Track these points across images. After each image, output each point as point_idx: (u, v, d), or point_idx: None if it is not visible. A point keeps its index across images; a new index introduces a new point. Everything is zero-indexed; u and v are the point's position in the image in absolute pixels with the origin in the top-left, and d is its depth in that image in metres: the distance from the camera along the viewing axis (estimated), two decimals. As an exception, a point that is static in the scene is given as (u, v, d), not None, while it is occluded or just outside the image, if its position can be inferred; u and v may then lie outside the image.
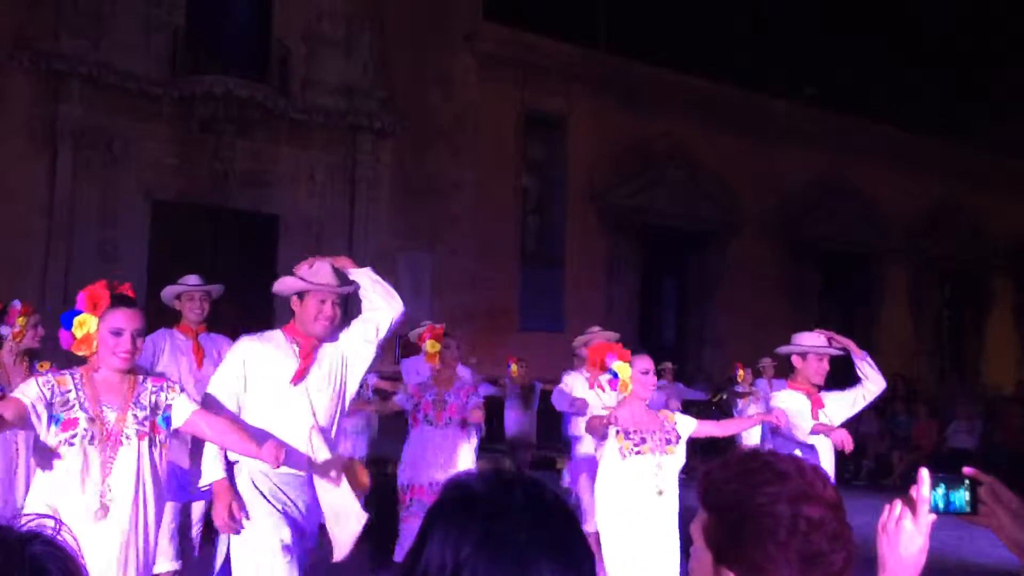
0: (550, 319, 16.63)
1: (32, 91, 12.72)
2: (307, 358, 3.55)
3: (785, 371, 5.38)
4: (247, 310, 13.93)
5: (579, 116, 17.55)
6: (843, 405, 4.89)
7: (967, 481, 1.33)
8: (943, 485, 1.31)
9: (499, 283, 16.15)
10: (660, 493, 4.20)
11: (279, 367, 3.52)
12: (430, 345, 5.82)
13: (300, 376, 3.51)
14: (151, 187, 13.51)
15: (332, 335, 3.66)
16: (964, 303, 23.58)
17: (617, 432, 4.26)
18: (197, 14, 13.98)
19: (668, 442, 4.29)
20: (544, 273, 17.13)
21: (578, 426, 6.10)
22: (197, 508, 5.19)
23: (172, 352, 4.99)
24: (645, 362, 4.43)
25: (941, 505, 1.30)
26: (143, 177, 13.43)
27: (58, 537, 0.90)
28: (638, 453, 4.22)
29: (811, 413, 4.57)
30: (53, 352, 5.20)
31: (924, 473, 1.30)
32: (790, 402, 4.60)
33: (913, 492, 1.29)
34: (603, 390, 5.44)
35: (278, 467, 3.06)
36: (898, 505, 1.29)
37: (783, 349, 4.92)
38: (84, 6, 12.98)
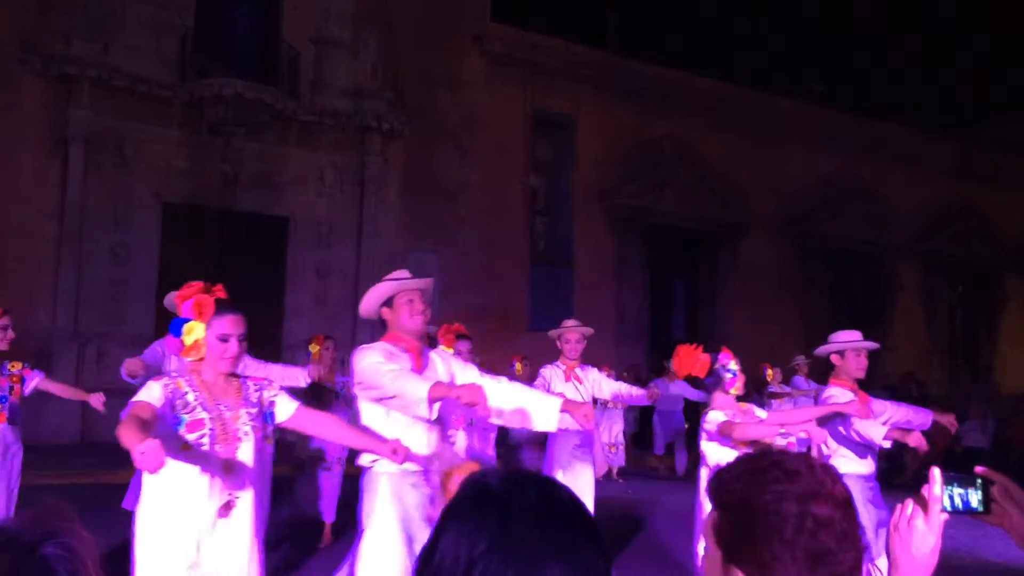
0: (559, 319, 16.50)
1: (43, 95, 12.79)
2: (419, 360, 3.73)
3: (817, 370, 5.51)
4: (257, 310, 13.97)
5: (587, 116, 17.54)
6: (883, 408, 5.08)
7: (979, 480, 1.32)
8: (955, 484, 1.31)
9: (508, 283, 16.16)
10: None
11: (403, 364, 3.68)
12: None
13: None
14: (161, 189, 13.57)
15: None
16: (976, 301, 23.47)
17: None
18: (206, 17, 14.04)
19: (789, 445, 4.58)
20: (553, 273, 17.12)
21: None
22: None
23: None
24: (723, 358, 4.78)
25: (953, 505, 1.29)
26: (153, 180, 13.49)
27: (70, 540, 0.90)
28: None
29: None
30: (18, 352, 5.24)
31: (936, 472, 1.30)
32: (843, 398, 4.75)
33: (925, 491, 1.29)
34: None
35: (400, 463, 3.21)
36: (910, 504, 1.29)
37: (822, 349, 5.07)
38: (94, 10, 13.05)
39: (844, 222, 20.63)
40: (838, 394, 4.79)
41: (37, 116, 12.76)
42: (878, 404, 4.98)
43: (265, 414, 3.16)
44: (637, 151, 18.11)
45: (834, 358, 4.94)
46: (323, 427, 3.44)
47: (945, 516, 1.28)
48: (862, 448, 4.79)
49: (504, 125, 16.56)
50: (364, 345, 3.75)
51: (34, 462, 10.01)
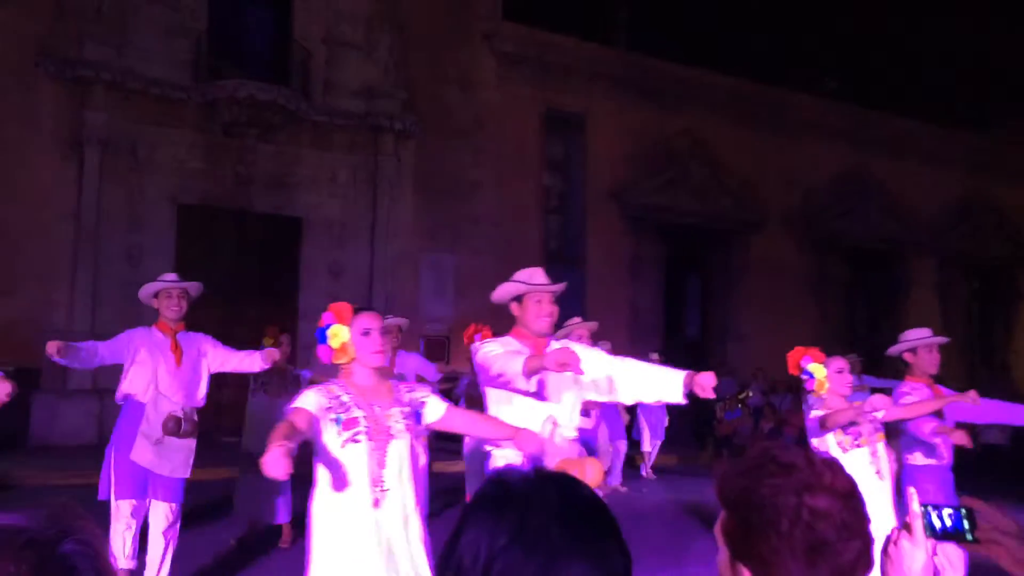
0: (573, 317, 16.58)
1: (58, 99, 12.89)
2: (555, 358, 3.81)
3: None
4: (271, 310, 14.03)
5: (599, 114, 17.53)
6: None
7: (964, 510, 1.33)
8: (938, 510, 1.32)
9: (521, 282, 16.14)
10: (879, 476, 4.62)
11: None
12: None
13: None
14: (176, 191, 13.65)
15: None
16: (992, 297, 23.30)
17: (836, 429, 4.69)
18: (218, 19, 14.11)
19: (878, 430, 4.71)
20: (566, 272, 17.07)
21: None
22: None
23: (150, 350, 4.93)
24: (839, 362, 4.80)
25: (941, 528, 1.30)
26: (168, 181, 13.57)
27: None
28: (858, 446, 4.62)
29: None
30: None
31: (912, 490, 1.34)
32: (918, 395, 4.94)
33: (909, 519, 1.30)
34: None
35: (539, 453, 3.30)
36: (894, 531, 1.30)
37: (894, 349, 5.27)
38: (108, 14, 13.13)
39: (859, 218, 20.54)
40: (914, 390, 4.99)
41: (53, 119, 12.86)
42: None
43: (416, 414, 3.29)
44: (650, 148, 18.08)
45: (907, 355, 5.15)
46: (475, 425, 3.57)
47: (932, 541, 1.28)
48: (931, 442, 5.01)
49: (517, 124, 16.56)
50: (486, 340, 4.00)
51: (52, 463, 10.14)
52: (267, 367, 5.27)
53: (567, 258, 17.39)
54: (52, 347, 4.47)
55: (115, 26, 13.20)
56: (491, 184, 16.17)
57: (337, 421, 3.10)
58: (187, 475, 4.96)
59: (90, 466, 4.86)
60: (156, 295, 5.09)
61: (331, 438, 3.08)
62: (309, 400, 3.09)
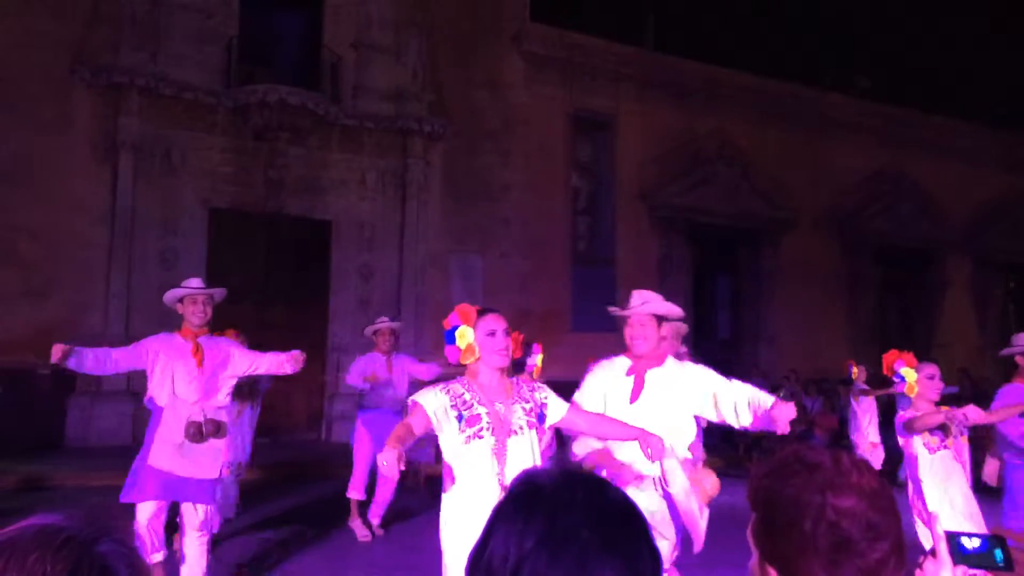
0: (602, 319, 16.52)
1: (93, 104, 13.09)
2: (639, 378, 4.05)
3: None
4: (302, 313, 14.14)
5: (628, 115, 17.47)
6: None
7: (994, 539, 1.32)
8: (969, 539, 1.31)
9: (550, 284, 16.15)
10: (962, 476, 4.90)
11: (620, 385, 4.08)
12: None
13: (636, 395, 4.04)
14: (208, 195, 13.80)
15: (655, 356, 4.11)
16: (1028, 297, 22.90)
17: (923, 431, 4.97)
18: (250, 25, 14.26)
19: (963, 432, 4.96)
20: (595, 273, 17.07)
21: None
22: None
23: (168, 354, 4.98)
24: (930, 368, 5.02)
25: (967, 552, 1.29)
26: (200, 185, 13.73)
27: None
28: (944, 447, 4.85)
29: None
30: None
31: (936, 513, 1.39)
32: (1012, 398, 5.21)
33: (933, 543, 1.30)
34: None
35: (658, 454, 3.38)
36: (923, 557, 1.30)
37: (1005, 351, 5.65)
38: (141, 21, 13.33)
39: (892, 218, 20.28)
40: (1018, 393, 5.28)
41: (88, 125, 13.06)
42: None
43: (540, 414, 3.38)
44: (679, 149, 17.97)
45: (1019, 359, 5.52)
46: (599, 425, 3.59)
47: (965, 569, 1.29)
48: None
49: (545, 125, 16.55)
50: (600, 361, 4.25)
51: (88, 464, 10.30)
52: (296, 370, 5.29)
53: (596, 259, 17.34)
54: (57, 351, 4.46)
55: (148, 33, 13.38)
56: (520, 186, 16.17)
57: (460, 418, 3.21)
58: (215, 475, 5.00)
59: (125, 467, 4.91)
60: (181, 300, 5.12)
61: (452, 435, 3.21)
62: (428, 399, 3.23)
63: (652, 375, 4.04)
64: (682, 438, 3.97)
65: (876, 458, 9.17)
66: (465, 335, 3.29)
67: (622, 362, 4.13)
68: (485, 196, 15.84)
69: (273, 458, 10.67)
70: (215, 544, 6.42)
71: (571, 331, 15.45)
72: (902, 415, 4.96)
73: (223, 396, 5.14)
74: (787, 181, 18.93)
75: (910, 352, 5.16)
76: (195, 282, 5.24)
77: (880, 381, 9.84)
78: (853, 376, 10.02)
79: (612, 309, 4.24)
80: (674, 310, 4.32)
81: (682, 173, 18.05)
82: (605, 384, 4.09)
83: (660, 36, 18.35)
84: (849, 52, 20.61)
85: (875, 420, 9.66)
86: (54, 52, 12.74)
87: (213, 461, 4.96)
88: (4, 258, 12.29)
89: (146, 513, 4.78)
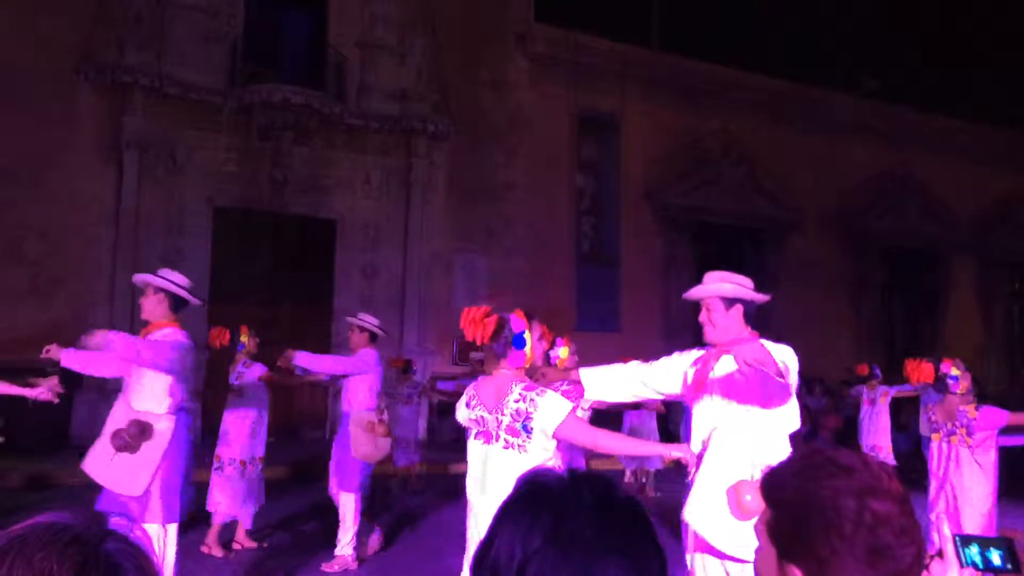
0: (606, 319, 16.57)
1: (98, 103, 13.13)
2: (705, 367, 3.60)
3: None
4: (306, 312, 14.16)
5: (632, 115, 17.45)
6: None
7: (1002, 541, 1.32)
8: (977, 544, 1.31)
9: (554, 284, 16.14)
10: (982, 475, 5.23)
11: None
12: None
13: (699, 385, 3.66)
14: (212, 194, 13.82)
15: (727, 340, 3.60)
16: (1034, 298, 22.85)
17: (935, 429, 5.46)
18: (254, 25, 14.28)
19: (970, 433, 5.37)
20: (599, 273, 17.06)
21: None
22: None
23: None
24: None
25: (980, 563, 1.29)
26: (205, 184, 13.75)
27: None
28: (965, 445, 5.30)
29: None
30: None
31: (942, 516, 1.35)
32: None
33: (940, 544, 1.31)
34: None
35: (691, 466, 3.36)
36: (929, 558, 1.30)
37: None
38: (146, 21, 13.35)
39: (898, 218, 20.24)
40: None
41: (92, 124, 13.09)
42: None
43: (524, 425, 3.38)
44: (684, 149, 17.96)
45: None
46: (601, 439, 3.35)
47: (972, 571, 1.29)
48: None
49: (549, 125, 16.54)
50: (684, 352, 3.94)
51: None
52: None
53: (600, 259, 17.33)
54: (56, 352, 4.37)
55: (153, 32, 13.40)
56: (524, 186, 16.17)
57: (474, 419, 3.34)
58: (135, 492, 4.38)
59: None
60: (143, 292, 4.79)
61: (472, 435, 3.33)
62: (461, 403, 3.41)
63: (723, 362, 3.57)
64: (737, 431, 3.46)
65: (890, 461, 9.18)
66: (529, 339, 3.32)
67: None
68: (489, 196, 15.83)
69: (280, 457, 10.67)
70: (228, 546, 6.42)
71: (575, 331, 15.43)
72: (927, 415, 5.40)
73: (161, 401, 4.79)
74: (792, 181, 18.90)
75: (927, 360, 5.54)
76: (178, 277, 5.02)
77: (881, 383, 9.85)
78: (873, 377, 9.96)
79: (686, 294, 3.84)
80: (741, 291, 3.65)
81: (687, 173, 18.03)
82: (685, 364, 3.71)
83: (665, 36, 18.32)
84: (856, 53, 20.56)
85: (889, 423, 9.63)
86: (59, 52, 12.77)
87: (131, 475, 4.50)
88: (10, 257, 12.32)
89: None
